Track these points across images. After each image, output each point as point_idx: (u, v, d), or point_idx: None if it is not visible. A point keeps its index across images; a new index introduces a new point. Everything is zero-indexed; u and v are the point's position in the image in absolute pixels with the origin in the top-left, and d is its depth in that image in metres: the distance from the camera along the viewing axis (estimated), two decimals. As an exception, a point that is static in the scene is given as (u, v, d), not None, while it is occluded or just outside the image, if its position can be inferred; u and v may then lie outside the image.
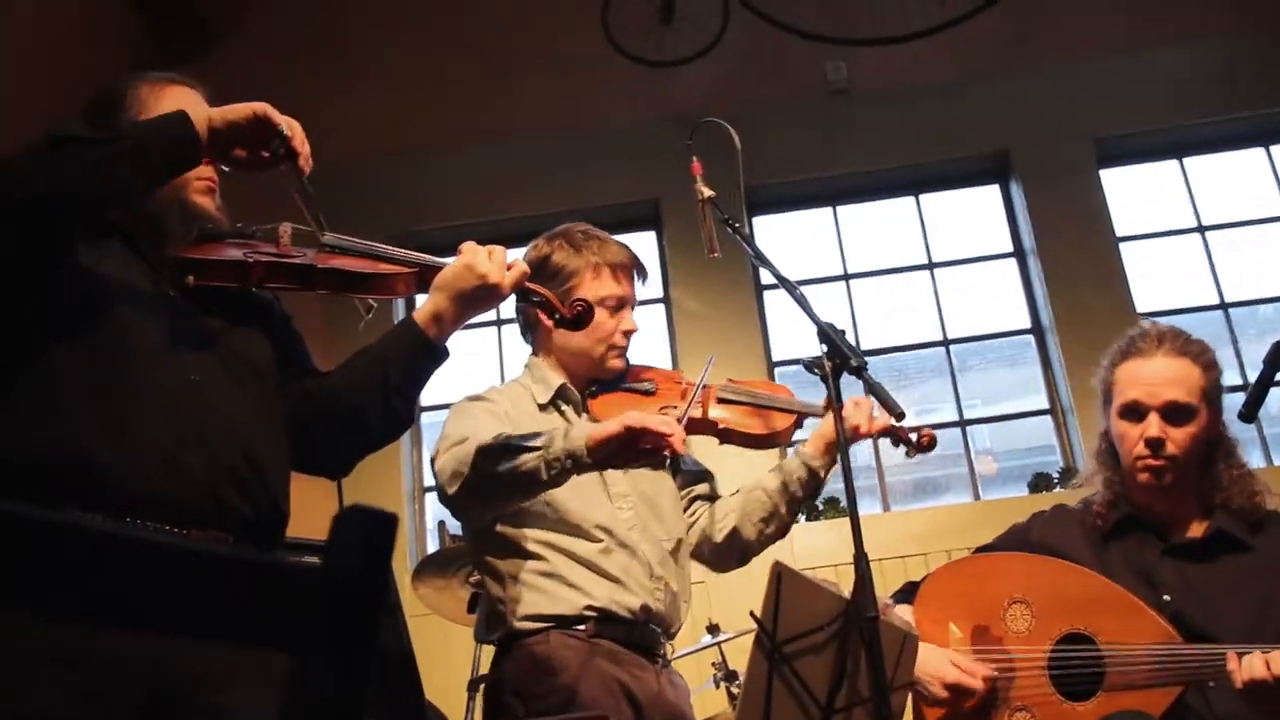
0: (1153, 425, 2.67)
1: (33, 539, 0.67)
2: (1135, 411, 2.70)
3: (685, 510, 2.86)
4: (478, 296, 2.21)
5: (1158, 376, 2.70)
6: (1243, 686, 2.38)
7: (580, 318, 2.40)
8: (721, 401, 2.81)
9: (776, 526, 2.79)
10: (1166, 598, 2.62)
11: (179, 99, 2.16)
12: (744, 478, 2.93)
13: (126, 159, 1.88)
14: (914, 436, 2.81)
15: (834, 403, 2.32)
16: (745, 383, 2.92)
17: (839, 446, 2.32)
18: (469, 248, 2.24)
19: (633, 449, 2.31)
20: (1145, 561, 2.69)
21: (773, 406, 2.82)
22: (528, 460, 2.34)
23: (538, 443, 2.35)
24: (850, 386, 2.36)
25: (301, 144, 2.03)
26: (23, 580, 0.68)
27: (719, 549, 2.82)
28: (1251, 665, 2.37)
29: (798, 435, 2.89)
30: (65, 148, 1.84)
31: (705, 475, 2.94)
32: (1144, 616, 2.56)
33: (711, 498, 2.90)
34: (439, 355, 2.24)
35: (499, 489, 2.44)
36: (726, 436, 2.78)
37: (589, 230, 2.83)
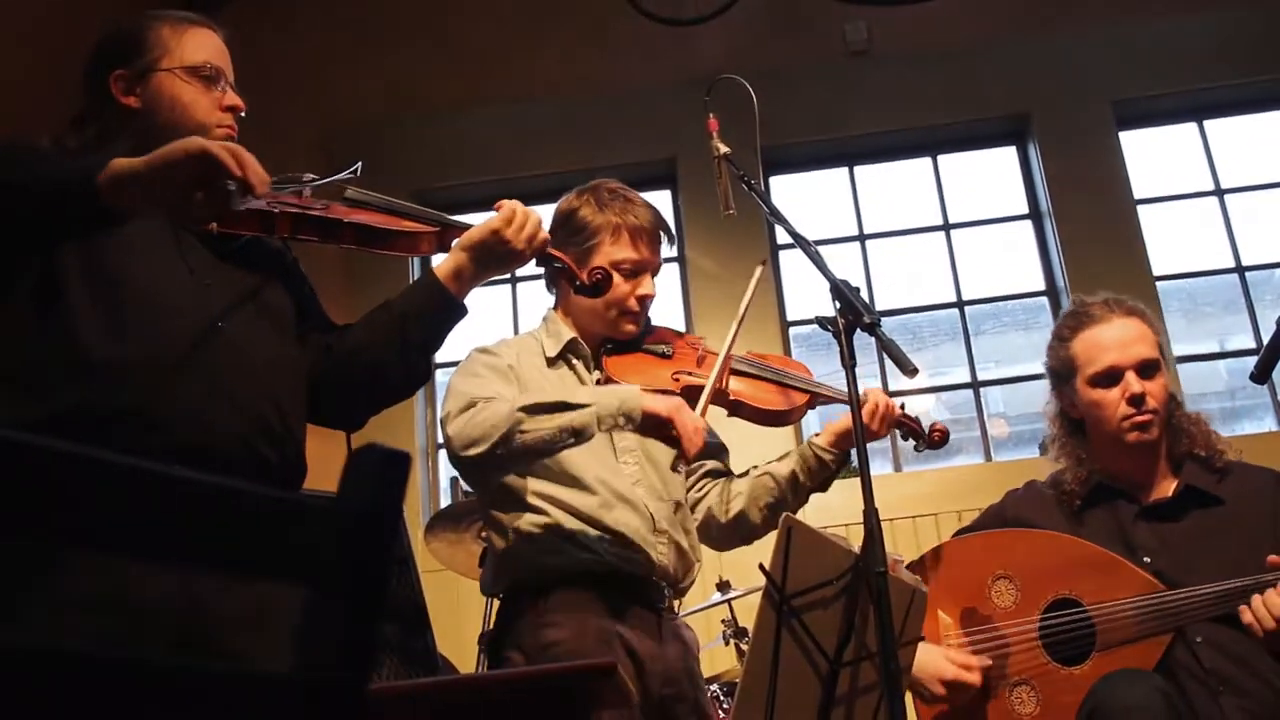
0: (1134, 382, 2.73)
1: (63, 471, 0.69)
2: (1110, 376, 2.76)
3: (695, 484, 2.86)
4: (499, 258, 2.25)
5: (1124, 336, 2.78)
6: (1265, 635, 2.43)
7: (599, 286, 2.44)
8: (736, 373, 2.78)
9: (782, 513, 2.79)
10: (1146, 559, 2.66)
11: (202, 42, 2.16)
12: (756, 452, 2.92)
13: (25, 218, 1.79)
14: (926, 429, 2.84)
15: (847, 360, 2.31)
16: (762, 356, 2.89)
17: (852, 411, 2.31)
18: (506, 208, 2.26)
19: (663, 434, 2.41)
20: (1121, 526, 2.74)
21: (788, 383, 2.80)
22: (578, 417, 2.39)
23: (585, 399, 2.41)
24: (864, 346, 2.36)
25: (254, 174, 1.76)
26: (54, 512, 0.69)
27: (724, 529, 2.83)
28: (1272, 603, 2.42)
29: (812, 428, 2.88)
30: None
31: (720, 450, 2.93)
32: (1124, 571, 2.62)
33: (722, 473, 2.89)
34: (459, 312, 2.27)
35: (532, 450, 2.44)
36: (737, 409, 2.75)
37: (617, 189, 2.81)
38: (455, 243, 2.25)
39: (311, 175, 2.21)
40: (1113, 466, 2.80)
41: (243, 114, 2.17)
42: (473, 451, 2.41)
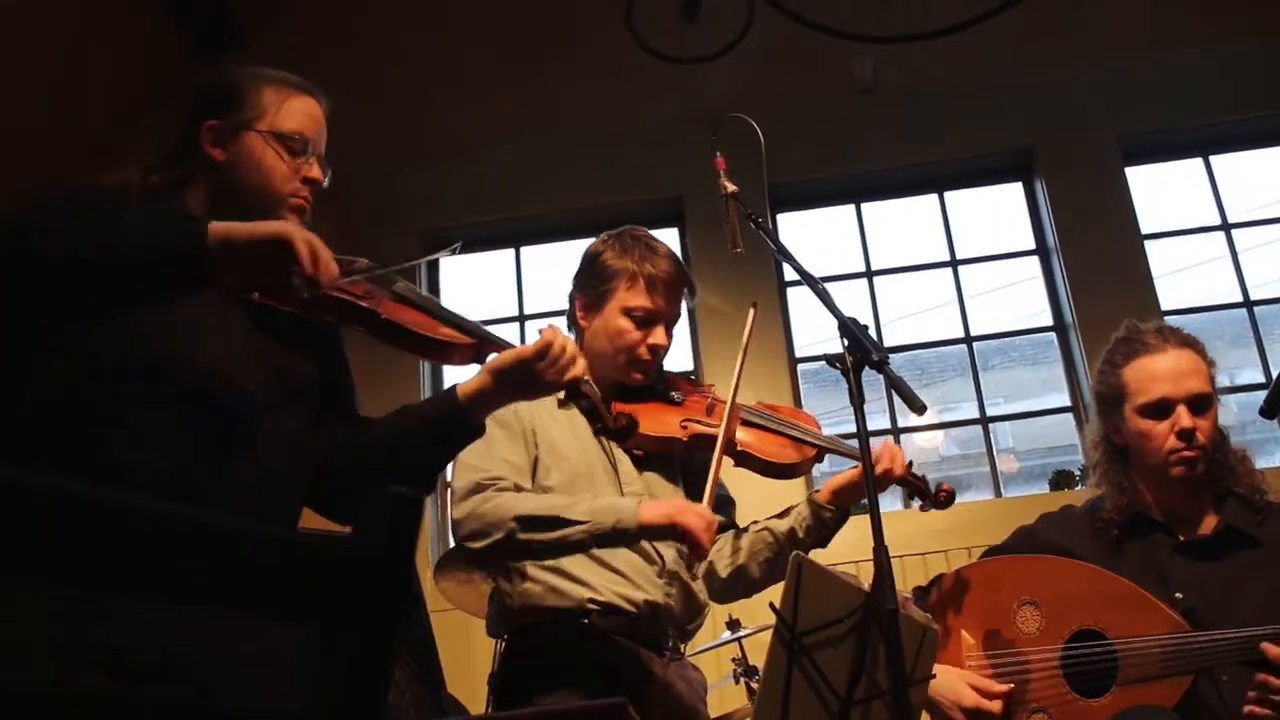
0: (1184, 417, 2.68)
1: (73, 512, 0.69)
2: (1161, 408, 2.71)
3: None
4: (524, 387, 2.17)
5: (1178, 368, 2.72)
6: None
7: (625, 430, 2.34)
8: (745, 424, 2.77)
9: (782, 568, 2.76)
10: (1178, 595, 2.63)
11: (300, 110, 2.14)
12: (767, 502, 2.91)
13: (115, 279, 1.75)
14: (932, 489, 2.77)
15: (856, 398, 2.31)
16: (772, 408, 2.87)
17: (861, 448, 2.30)
18: (545, 337, 2.15)
19: (670, 538, 2.45)
20: (1157, 559, 2.70)
21: (796, 436, 2.78)
22: (574, 533, 2.43)
23: (581, 515, 2.44)
24: (872, 383, 2.36)
25: (324, 272, 1.78)
26: (62, 554, 0.70)
27: (724, 584, 2.80)
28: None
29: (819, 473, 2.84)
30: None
31: (726, 503, 2.90)
32: (1151, 608, 2.58)
33: (727, 527, 2.85)
34: (473, 435, 2.22)
35: (534, 554, 2.53)
36: (743, 460, 2.73)
37: (642, 237, 2.83)
38: (487, 364, 2.17)
39: (406, 259, 2.17)
40: (1154, 497, 2.76)
41: (323, 185, 2.13)
42: (474, 545, 2.49)
